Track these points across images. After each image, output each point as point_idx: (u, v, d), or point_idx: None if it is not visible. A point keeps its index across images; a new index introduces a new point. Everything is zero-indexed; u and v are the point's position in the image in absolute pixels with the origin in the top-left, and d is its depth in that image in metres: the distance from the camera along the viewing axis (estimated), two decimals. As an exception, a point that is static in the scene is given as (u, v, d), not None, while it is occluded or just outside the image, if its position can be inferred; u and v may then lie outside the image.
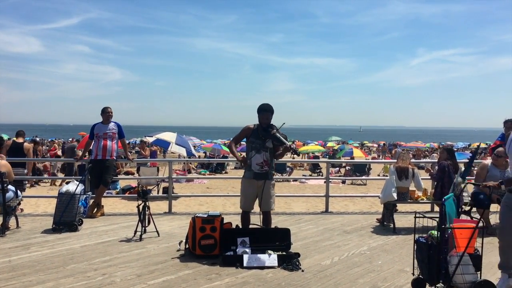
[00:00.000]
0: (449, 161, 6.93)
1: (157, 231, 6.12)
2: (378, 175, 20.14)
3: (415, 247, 4.12)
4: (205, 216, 5.25)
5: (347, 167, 21.89)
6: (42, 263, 4.88)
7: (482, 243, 3.92)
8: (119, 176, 15.57)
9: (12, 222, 6.55)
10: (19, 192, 6.69)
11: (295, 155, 5.67)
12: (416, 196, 7.30)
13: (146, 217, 6.02)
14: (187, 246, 5.36)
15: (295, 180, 18.18)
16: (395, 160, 7.91)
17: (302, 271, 4.70)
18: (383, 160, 28.19)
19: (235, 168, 23.95)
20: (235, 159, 5.78)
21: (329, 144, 41.74)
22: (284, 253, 5.05)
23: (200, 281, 4.36)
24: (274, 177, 5.59)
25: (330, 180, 8.91)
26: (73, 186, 6.73)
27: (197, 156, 18.79)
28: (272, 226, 5.59)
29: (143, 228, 6.00)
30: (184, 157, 14.81)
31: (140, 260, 5.04)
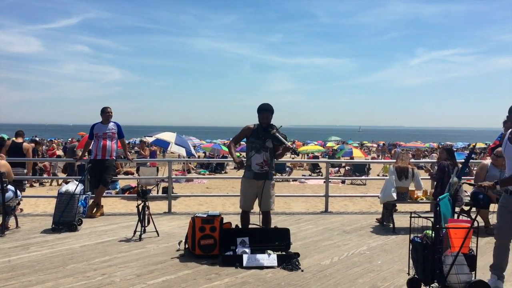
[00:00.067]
0: (448, 161, 6.94)
1: (156, 231, 6.11)
2: (378, 175, 20.14)
3: (411, 247, 4.12)
4: (205, 216, 5.25)
5: (346, 167, 21.90)
6: (41, 263, 4.88)
7: (477, 243, 3.92)
8: (118, 176, 15.56)
9: (11, 222, 6.55)
10: (18, 192, 6.69)
11: (294, 155, 5.67)
12: (415, 196, 7.31)
13: (146, 217, 6.02)
14: (186, 246, 5.36)
15: (294, 180, 18.18)
16: (395, 160, 7.92)
17: (302, 271, 4.70)
18: (382, 160, 28.20)
19: (235, 168, 23.91)
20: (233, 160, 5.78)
21: (329, 144, 41.75)
22: (284, 253, 5.05)
23: (199, 281, 4.36)
24: (274, 177, 5.60)
25: (329, 180, 8.92)
26: (73, 186, 6.73)
27: (196, 156, 18.79)
28: (272, 226, 5.59)
29: (143, 228, 6.00)
30: (183, 157, 14.81)
31: (139, 260, 5.04)
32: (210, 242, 5.13)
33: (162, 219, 7.32)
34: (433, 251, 3.84)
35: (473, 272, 3.89)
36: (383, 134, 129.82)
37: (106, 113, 7.78)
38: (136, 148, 29.53)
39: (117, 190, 13.13)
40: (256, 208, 5.51)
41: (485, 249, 5.46)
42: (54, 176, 16.30)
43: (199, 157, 24.15)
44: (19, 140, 8.87)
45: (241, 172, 5.74)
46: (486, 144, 37.90)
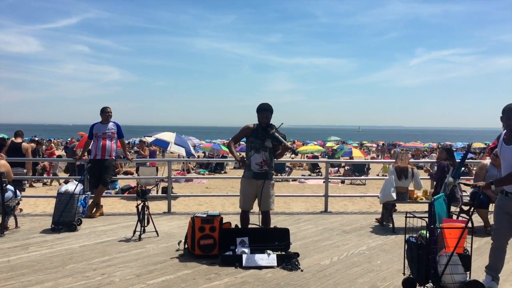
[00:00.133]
0: (448, 161, 6.94)
1: (156, 231, 6.11)
2: (377, 175, 20.15)
3: (406, 247, 4.12)
4: (204, 216, 5.25)
5: (346, 167, 21.91)
6: (41, 263, 4.88)
7: (472, 243, 3.91)
8: (118, 176, 15.56)
9: (11, 222, 6.54)
10: (18, 192, 6.69)
11: (294, 155, 5.67)
12: (415, 196, 7.31)
13: (145, 217, 6.01)
14: (186, 246, 5.36)
15: (294, 180, 18.18)
16: (394, 160, 7.92)
17: (301, 271, 4.70)
18: (382, 160, 28.22)
19: (234, 168, 23.95)
20: (234, 158, 5.79)
21: (328, 144, 41.77)
22: (283, 253, 5.05)
23: (199, 281, 4.36)
24: (274, 177, 5.60)
25: (329, 180, 8.92)
26: (72, 186, 6.72)
27: (196, 156, 18.78)
28: (271, 226, 5.59)
29: (142, 228, 5.99)
30: (183, 157, 14.81)
31: (139, 260, 5.04)
32: (210, 242, 5.13)
33: (161, 219, 7.32)
34: (427, 251, 3.85)
35: (468, 272, 3.89)
36: (383, 134, 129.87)
37: (105, 113, 7.78)
38: (135, 148, 29.53)
39: (117, 190, 13.12)
40: (255, 208, 5.51)
41: (484, 249, 5.46)
42: (54, 176, 16.32)
43: (198, 157, 24.15)
44: (18, 140, 8.87)
45: (240, 172, 5.74)
46: (485, 144, 37.93)
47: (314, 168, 22.53)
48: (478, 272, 4.38)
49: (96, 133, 7.71)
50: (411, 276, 4.05)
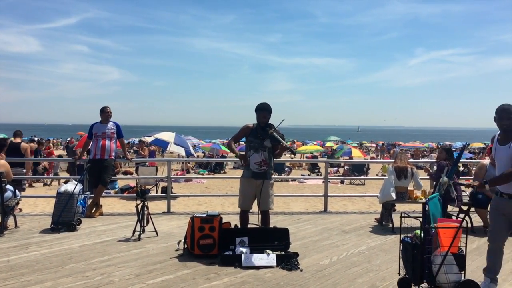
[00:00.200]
0: (447, 160, 6.95)
1: (155, 231, 6.11)
2: (377, 175, 20.16)
3: (401, 246, 4.12)
4: (204, 215, 5.25)
5: (345, 167, 21.91)
6: (40, 262, 4.88)
7: (466, 243, 3.90)
8: (117, 176, 15.56)
9: (10, 221, 6.54)
10: (17, 191, 6.69)
11: (292, 155, 5.67)
12: (414, 196, 7.31)
13: (145, 216, 6.02)
14: (185, 245, 5.36)
15: (293, 180, 18.19)
16: (393, 160, 7.92)
17: (301, 270, 4.70)
18: (381, 160, 28.22)
19: (234, 168, 23.95)
20: (234, 158, 5.80)
21: (328, 144, 41.77)
22: (283, 252, 5.05)
23: (198, 281, 4.36)
24: (273, 176, 5.59)
25: (328, 180, 8.92)
26: (72, 186, 6.72)
27: (195, 156, 18.78)
28: (271, 225, 5.60)
29: (142, 227, 5.99)
30: (182, 157, 14.81)
31: (138, 259, 5.04)
32: (209, 242, 5.13)
33: (161, 219, 7.32)
34: (422, 251, 3.85)
35: (463, 272, 3.89)
36: (382, 134, 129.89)
37: (105, 113, 7.77)
38: (135, 148, 29.52)
39: (116, 190, 13.12)
40: (255, 207, 5.51)
41: (483, 249, 5.44)
42: (53, 176, 16.32)
43: (198, 157, 24.14)
44: (17, 140, 8.86)
45: (240, 172, 5.74)
46: (485, 144, 37.92)
47: (313, 168, 22.54)
48: (478, 272, 4.38)
49: (95, 133, 7.71)
50: (406, 276, 4.05)
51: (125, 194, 11.83)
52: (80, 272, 4.55)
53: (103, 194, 8.27)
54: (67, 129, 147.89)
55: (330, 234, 6.43)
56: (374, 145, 48.35)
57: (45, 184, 15.44)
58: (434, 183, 7.22)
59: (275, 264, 4.83)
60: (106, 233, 6.36)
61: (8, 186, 6.41)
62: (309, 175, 21.33)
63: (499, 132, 3.99)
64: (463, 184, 5.02)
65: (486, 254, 4.12)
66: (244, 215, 5.51)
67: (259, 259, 4.86)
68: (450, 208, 6.77)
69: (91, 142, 7.78)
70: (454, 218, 5.35)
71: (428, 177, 7.87)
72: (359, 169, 20.02)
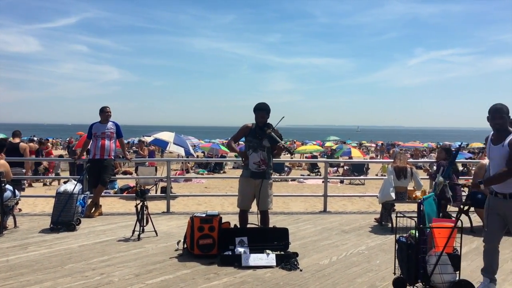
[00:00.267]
0: (447, 160, 6.95)
1: (155, 231, 6.11)
2: (376, 175, 20.16)
3: (397, 246, 4.12)
4: (204, 215, 5.25)
5: (345, 167, 21.92)
6: (40, 262, 4.87)
7: (461, 243, 3.90)
8: (117, 176, 15.55)
9: (10, 221, 6.54)
10: (16, 191, 6.68)
11: (289, 155, 5.66)
12: (414, 195, 7.31)
13: (144, 216, 6.01)
14: (185, 245, 5.35)
15: (293, 179, 18.19)
16: (393, 160, 7.92)
17: (301, 270, 4.70)
18: (381, 160, 28.23)
19: (233, 167, 23.95)
20: (234, 158, 5.80)
21: (327, 144, 41.77)
22: (282, 252, 5.05)
23: (198, 281, 4.35)
24: (272, 176, 5.59)
25: (328, 180, 8.92)
26: (71, 186, 6.72)
27: (195, 156, 18.78)
28: (270, 225, 5.60)
29: (141, 227, 5.99)
30: (182, 157, 14.81)
31: (138, 259, 5.04)
32: (209, 242, 5.13)
33: (160, 219, 7.32)
34: (416, 250, 3.85)
35: (457, 272, 3.89)
36: (382, 134, 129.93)
37: (105, 113, 7.77)
38: (134, 147, 29.50)
39: (116, 189, 13.12)
40: (254, 207, 5.51)
41: (482, 248, 5.45)
42: (53, 176, 16.31)
43: (197, 156, 24.14)
44: (16, 140, 8.86)
45: (239, 172, 5.75)
46: (484, 144, 37.89)
47: (313, 168, 22.54)
48: (477, 272, 4.38)
49: (95, 132, 7.71)
50: (401, 276, 4.05)
51: (124, 194, 11.83)
52: (79, 272, 4.55)
53: (103, 194, 8.27)
54: (67, 129, 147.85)
55: (330, 234, 6.43)
56: (373, 145, 48.38)
57: (44, 184, 15.44)
58: (434, 183, 7.23)
59: (274, 264, 4.83)
60: (105, 233, 6.36)
61: (8, 186, 6.41)
62: (308, 175, 21.33)
63: (492, 132, 3.99)
64: (458, 184, 5.02)
65: (483, 255, 4.12)
66: (243, 215, 5.51)
67: (258, 259, 4.85)
68: (450, 208, 6.78)
69: (91, 142, 7.78)
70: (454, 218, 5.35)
71: (427, 177, 7.88)
72: (359, 169, 20.03)
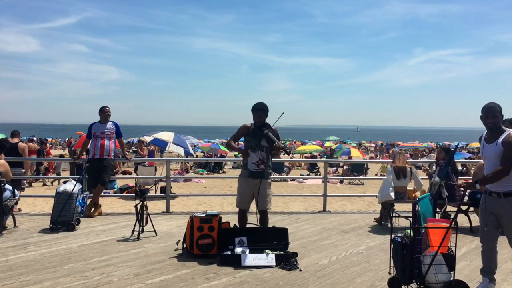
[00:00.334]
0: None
1: (154, 231, 6.11)
2: (376, 175, 20.18)
3: (392, 246, 4.12)
4: (203, 215, 5.25)
5: (344, 167, 21.92)
6: (39, 262, 4.87)
7: (456, 243, 3.89)
8: (116, 176, 15.56)
9: (9, 221, 6.54)
10: (16, 191, 6.68)
11: (286, 155, 5.65)
12: (413, 196, 7.32)
13: (144, 216, 6.01)
14: (185, 245, 5.35)
15: (292, 179, 18.18)
16: (392, 160, 7.93)
17: (300, 270, 4.70)
18: (380, 160, 28.23)
19: (233, 167, 23.95)
20: (234, 158, 5.80)
21: (327, 143, 41.79)
22: (282, 252, 5.05)
23: (198, 281, 4.35)
24: (272, 176, 5.58)
25: (327, 180, 8.93)
26: (71, 186, 6.71)
27: (195, 156, 18.78)
28: (270, 225, 5.60)
29: (141, 227, 5.99)
30: (182, 157, 14.81)
31: (137, 259, 5.04)
32: (208, 242, 5.13)
33: (160, 219, 7.32)
34: (411, 250, 3.85)
35: (452, 272, 3.89)
36: (381, 134, 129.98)
37: (104, 113, 7.76)
38: (134, 147, 29.51)
39: (115, 189, 13.11)
40: (254, 207, 5.51)
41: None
42: (53, 176, 16.31)
43: (197, 156, 24.14)
44: (15, 140, 8.86)
45: (239, 172, 5.75)
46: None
47: (312, 167, 22.55)
48: (476, 272, 4.38)
49: (94, 132, 7.70)
50: (396, 275, 4.06)
51: (124, 194, 11.82)
52: (79, 272, 4.55)
53: (102, 193, 8.27)
54: (66, 128, 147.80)
55: (329, 234, 6.43)
56: (373, 145, 48.39)
57: (44, 184, 15.44)
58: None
59: (274, 264, 4.83)
60: (105, 233, 6.36)
61: (7, 186, 6.40)
62: (308, 175, 21.34)
63: (486, 131, 4.00)
64: (455, 184, 5.02)
65: (481, 255, 4.12)
66: (242, 215, 5.51)
67: (258, 259, 4.86)
68: (450, 208, 6.77)
69: (90, 141, 7.78)
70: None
71: (427, 177, 7.88)
72: (358, 169, 20.03)
